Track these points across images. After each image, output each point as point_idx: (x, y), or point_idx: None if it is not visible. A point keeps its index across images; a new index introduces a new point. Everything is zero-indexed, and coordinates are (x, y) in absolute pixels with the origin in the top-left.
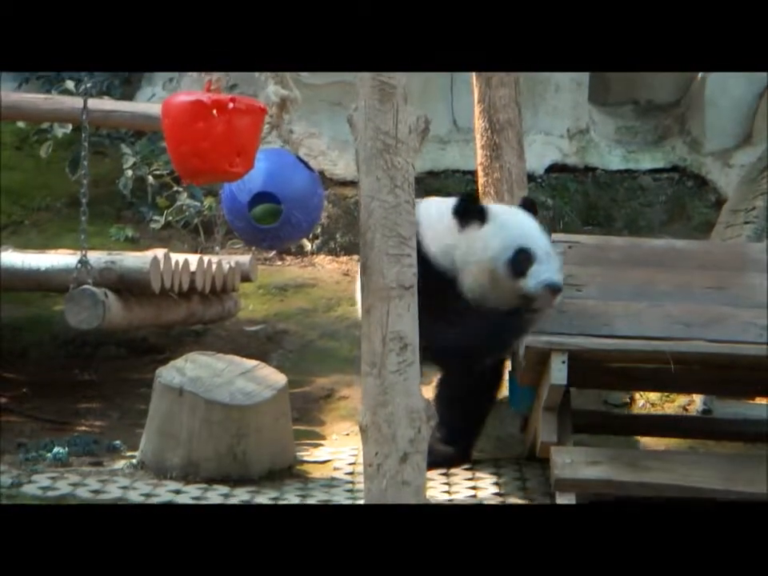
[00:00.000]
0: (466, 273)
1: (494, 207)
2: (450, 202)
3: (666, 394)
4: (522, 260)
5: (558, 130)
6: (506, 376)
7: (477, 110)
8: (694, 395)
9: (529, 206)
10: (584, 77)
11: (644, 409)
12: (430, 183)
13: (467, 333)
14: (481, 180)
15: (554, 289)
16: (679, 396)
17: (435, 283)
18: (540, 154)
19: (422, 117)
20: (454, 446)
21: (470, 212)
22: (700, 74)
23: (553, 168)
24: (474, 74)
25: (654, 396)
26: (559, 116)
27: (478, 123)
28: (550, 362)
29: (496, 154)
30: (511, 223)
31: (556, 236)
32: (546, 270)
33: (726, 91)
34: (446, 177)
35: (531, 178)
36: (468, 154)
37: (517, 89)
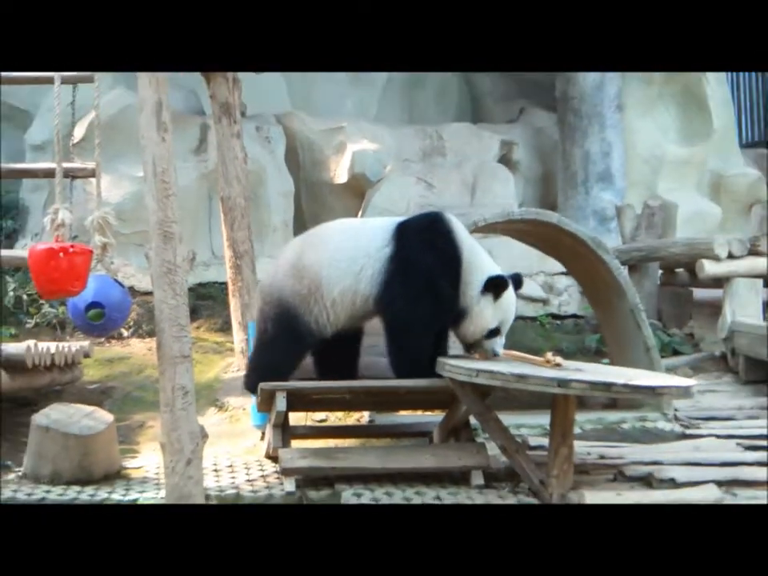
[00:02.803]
0: (475, 319)
1: (505, 290)
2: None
3: (347, 412)
4: (494, 332)
5: (277, 254)
6: (251, 409)
7: (225, 245)
8: (364, 412)
9: (517, 280)
10: (290, 221)
11: (335, 422)
12: (199, 291)
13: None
14: (230, 287)
15: (496, 354)
16: (355, 413)
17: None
18: (266, 269)
19: (191, 251)
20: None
21: (496, 291)
22: (359, 215)
23: None
24: (223, 220)
25: (340, 414)
26: (277, 246)
27: (227, 253)
28: (276, 397)
29: (238, 271)
30: (504, 305)
31: None
32: (498, 344)
33: None
34: (210, 286)
35: None
36: (222, 272)
37: (250, 231)
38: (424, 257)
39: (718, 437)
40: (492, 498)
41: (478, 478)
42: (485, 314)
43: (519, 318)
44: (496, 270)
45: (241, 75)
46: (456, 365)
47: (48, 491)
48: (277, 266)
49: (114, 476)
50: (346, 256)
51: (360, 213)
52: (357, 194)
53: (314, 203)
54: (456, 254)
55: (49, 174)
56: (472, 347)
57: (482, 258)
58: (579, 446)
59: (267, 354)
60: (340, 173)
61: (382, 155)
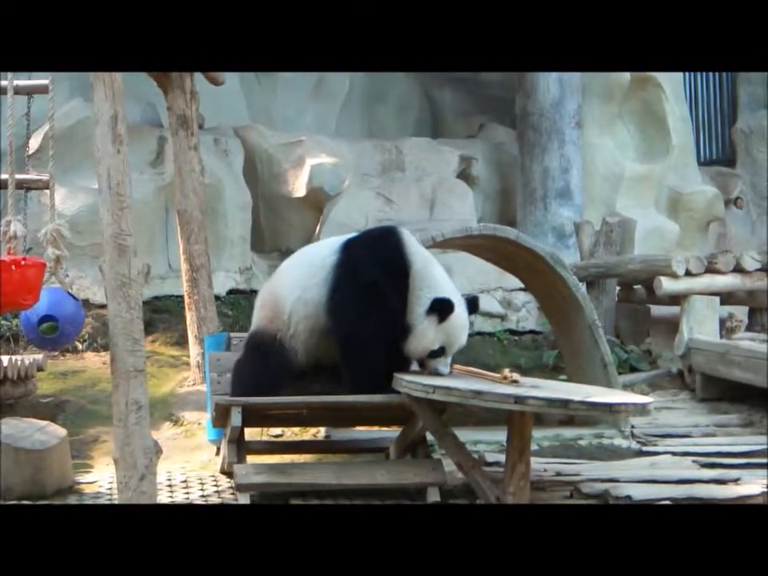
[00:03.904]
0: (418, 337)
1: (455, 312)
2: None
3: (303, 427)
4: (437, 353)
5: (233, 268)
6: (206, 423)
7: (182, 258)
8: (321, 427)
9: (472, 303)
10: (248, 235)
11: (291, 437)
12: (155, 303)
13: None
14: (186, 301)
15: (440, 374)
16: (311, 428)
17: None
18: (223, 283)
19: (146, 264)
20: None
21: (441, 314)
22: (317, 231)
23: (231, 291)
24: (179, 233)
25: (296, 429)
26: (234, 260)
27: (183, 266)
28: (231, 413)
29: (195, 284)
30: (449, 329)
31: (233, 335)
32: (442, 363)
33: None
34: (166, 299)
35: (218, 298)
36: (178, 285)
37: (206, 244)
38: (369, 268)
39: (674, 454)
40: None
41: (434, 495)
42: (427, 334)
43: (477, 333)
44: (448, 289)
45: (199, 87)
46: (412, 381)
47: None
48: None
49: (67, 491)
50: (299, 272)
51: (318, 227)
52: (315, 207)
53: (271, 217)
54: (404, 268)
55: (2, 185)
56: (422, 366)
57: (436, 276)
58: (536, 463)
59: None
60: (298, 186)
61: (341, 169)
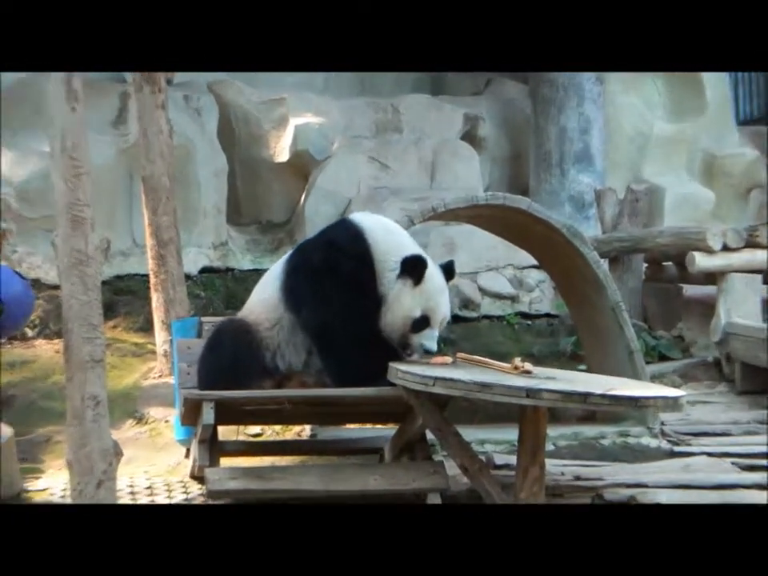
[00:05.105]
0: (393, 306)
1: (429, 272)
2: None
3: (285, 425)
4: (421, 323)
5: (206, 244)
6: (174, 421)
7: (148, 231)
8: (305, 425)
9: (448, 268)
10: (223, 205)
11: (271, 436)
12: (116, 284)
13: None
14: (152, 280)
15: (427, 351)
16: (294, 426)
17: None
18: (194, 261)
19: (105, 239)
20: None
21: (413, 273)
22: (302, 200)
23: (204, 270)
24: (144, 203)
25: (278, 427)
26: (207, 234)
27: (149, 241)
28: (203, 408)
29: (162, 261)
30: (428, 291)
31: (205, 318)
32: (428, 337)
33: (319, 212)
34: (129, 279)
35: (189, 277)
36: (144, 262)
37: (175, 216)
38: (322, 251)
39: (711, 455)
40: None
41: (435, 502)
42: (403, 299)
43: (484, 317)
44: (416, 251)
45: None
46: (409, 371)
47: None
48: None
49: (14, 500)
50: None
51: (303, 196)
52: (300, 174)
53: (250, 184)
54: (361, 243)
55: None
56: (407, 347)
57: (401, 240)
58: (551, 465)
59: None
60: (281, 150)
61: (329, 130)
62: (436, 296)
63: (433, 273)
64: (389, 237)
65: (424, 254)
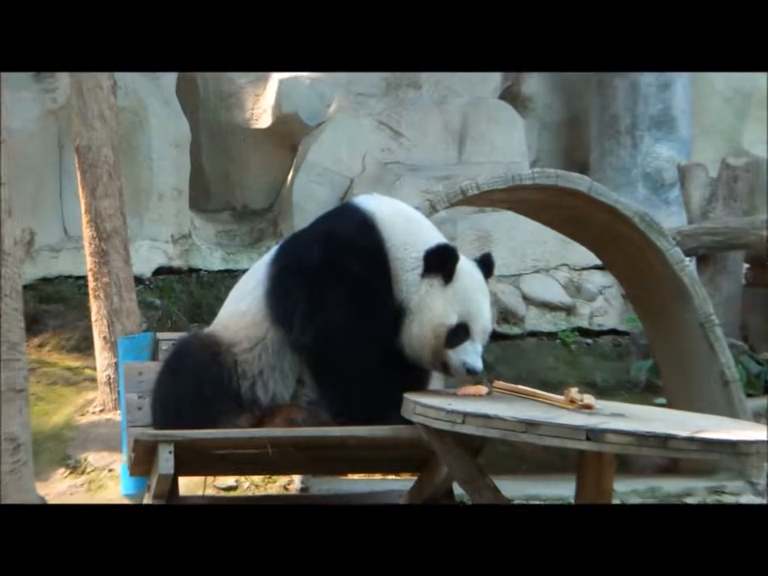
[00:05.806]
0: (421, 315)
1: (462, 267)
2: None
3: (268, 475)
4: (459, 333)
5: (163, 236)
6: (121, 470)
7: (84, 219)
8: (294, 475)
9: (485, 262)
10: (185, 185)
11: (249, 490)
12: (43, 289)
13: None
14: (91, 284)
15: (471, 371)
16: (280, 476)
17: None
18: (147, 259)
19: (27, 230)
20: None
21: (441, 268)
22: (289, 180)
23: (159, 271)
24: (80, 182)
25: (257, 478)
26: (163, 223)
27: (87, 232)
28: (159, 453)
29: (104, 260)
30: (464, 290)
31: (162, 335)
32: (471, 353)
33: (311, 196)
34: (60, 283)
35: (139, 280)
36: (79, 261)
37: (122, 199)
38: (319, 249)
39: None
40: None
41: None
42: (432, 305)
43: (531, 334)
44: (439, 240)
45: None
46: (431, 405)
47: None
48: None
49: None
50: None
51: (290, 173)
52: (285, 145)
53: (221, 159)
54: (372, 234)
55: None
56: (442, 367)
57: (421, 232)
58: None
59: None
60: (260, 113)
61: (324, 88)
62: (475, 295)
63: (467, 268)
64: (406, 226)
65: (452, 245)
